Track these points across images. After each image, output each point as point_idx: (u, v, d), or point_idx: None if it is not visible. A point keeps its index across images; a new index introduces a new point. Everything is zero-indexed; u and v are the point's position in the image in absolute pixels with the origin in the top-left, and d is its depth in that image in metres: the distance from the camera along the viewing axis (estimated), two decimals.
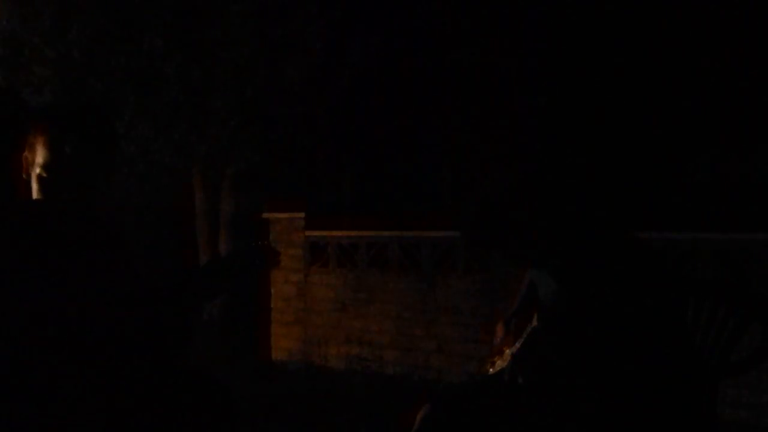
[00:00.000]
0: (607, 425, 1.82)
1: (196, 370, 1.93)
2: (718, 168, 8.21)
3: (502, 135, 8.79)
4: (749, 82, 8.15)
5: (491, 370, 2.41)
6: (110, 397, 1.66)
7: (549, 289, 2.04)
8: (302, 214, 6.17)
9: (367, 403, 4.79)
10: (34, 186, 1.75)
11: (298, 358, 6.12)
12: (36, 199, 1.75)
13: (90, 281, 1.65)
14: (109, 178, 1.79)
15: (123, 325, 1.66)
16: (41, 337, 1.58)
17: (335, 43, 8.10)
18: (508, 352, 2.38)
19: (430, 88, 9.23)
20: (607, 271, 1.89)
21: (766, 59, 7.93)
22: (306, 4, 7.76)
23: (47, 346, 1.59)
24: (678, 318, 1.93)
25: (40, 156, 1.72)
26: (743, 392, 4.20)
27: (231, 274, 1.86)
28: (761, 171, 7.84)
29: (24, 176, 1.78)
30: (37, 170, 1.73)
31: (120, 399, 1.68)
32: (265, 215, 6.34)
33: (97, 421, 1.64)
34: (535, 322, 2.24)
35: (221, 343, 6.73)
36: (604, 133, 8.59)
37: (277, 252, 1.99)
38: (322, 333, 6.06)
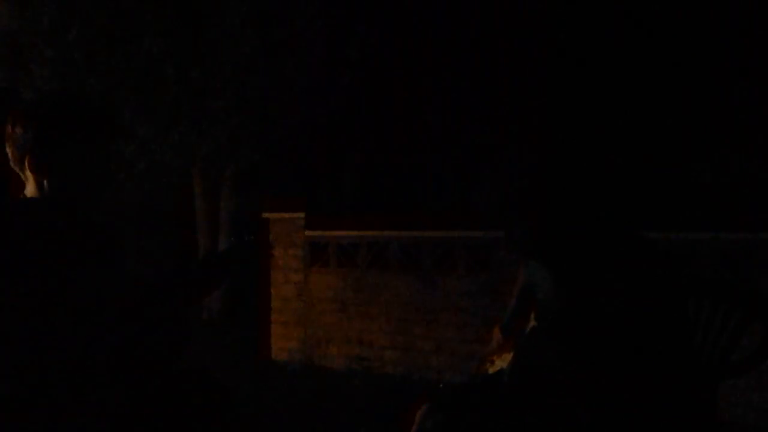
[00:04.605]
0: (607, 425, 1.82)
1: (196, 370, 1.93)
2: (719, 168, 8.21)
3: (504, 135, 8.79)
4: (751, 82, 8.15)
5: (489, 369, 2.41)
6: (109, 398, 1.66)
7: (547, 288, 2.03)
8: (302, 214, 6.16)
9: (367, 403, 4.78)
10: (30, 184, 1.73)
11: (298, 358, 6.11)
12: (28, 198, 1.74)
13: (84, 281, 1.64)
14: (107, 171, 1.78)
15: (120, 325, 1.66)
16: (37, 338, 1.58)
17: (335, 43, 8.09)
18: (508, 354, 2.37)
19: (430, 88, 9.23)
20: (608, 270, 1.89)
21: None
22: (306, 4, 7.76)
23: (43, 348, 1.59)
24: (678, 318, 1.93)
25: (32, 150, 1.70)
26: (744, 393, 4.19)
27: (227, 268, 1.87)
28: (762, 171, 7.84)
29: (14, 168, 1.75)
30: (30, 163, 1.71)
31: (119, 399, 1.68)
32: (265, 215, 6.33)
33: (96, 422, 1.64)
34: (533, 322, 2.23)
35: (221, 343, 6.73)
36: (606, 133, 8.59)
37: (270, 245, 2.02)
38: (322, 333, 6.05)
